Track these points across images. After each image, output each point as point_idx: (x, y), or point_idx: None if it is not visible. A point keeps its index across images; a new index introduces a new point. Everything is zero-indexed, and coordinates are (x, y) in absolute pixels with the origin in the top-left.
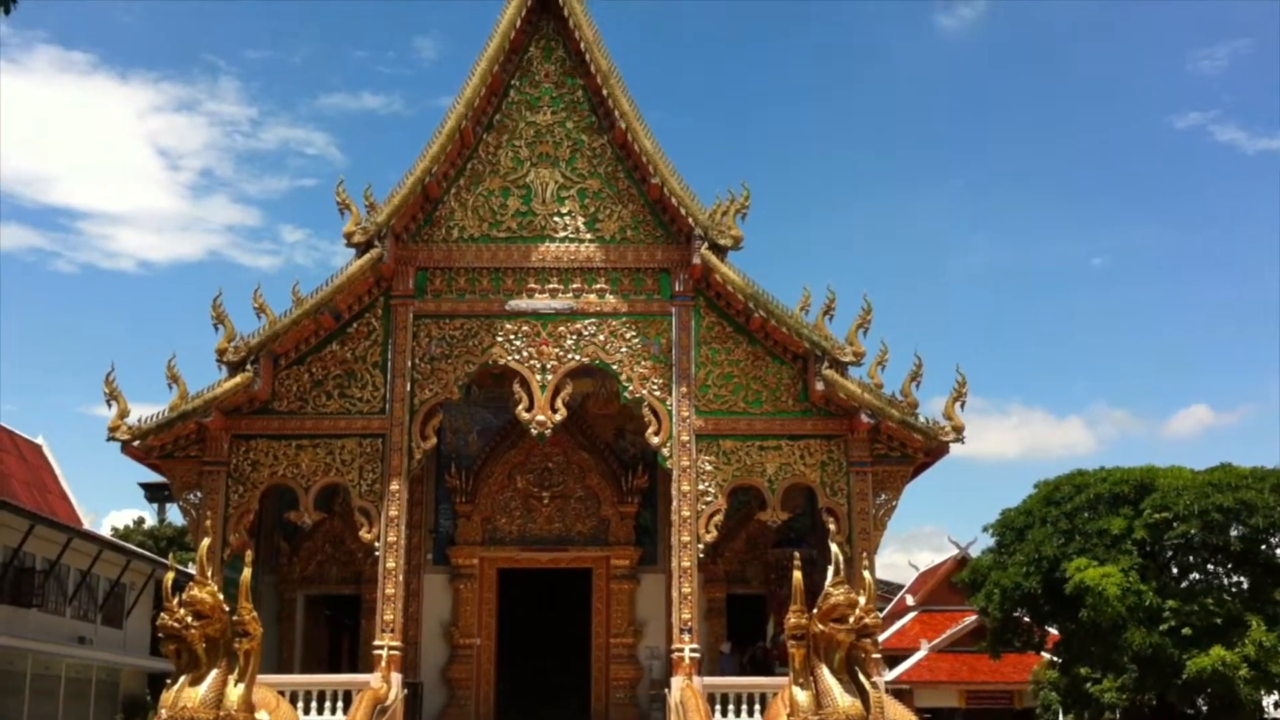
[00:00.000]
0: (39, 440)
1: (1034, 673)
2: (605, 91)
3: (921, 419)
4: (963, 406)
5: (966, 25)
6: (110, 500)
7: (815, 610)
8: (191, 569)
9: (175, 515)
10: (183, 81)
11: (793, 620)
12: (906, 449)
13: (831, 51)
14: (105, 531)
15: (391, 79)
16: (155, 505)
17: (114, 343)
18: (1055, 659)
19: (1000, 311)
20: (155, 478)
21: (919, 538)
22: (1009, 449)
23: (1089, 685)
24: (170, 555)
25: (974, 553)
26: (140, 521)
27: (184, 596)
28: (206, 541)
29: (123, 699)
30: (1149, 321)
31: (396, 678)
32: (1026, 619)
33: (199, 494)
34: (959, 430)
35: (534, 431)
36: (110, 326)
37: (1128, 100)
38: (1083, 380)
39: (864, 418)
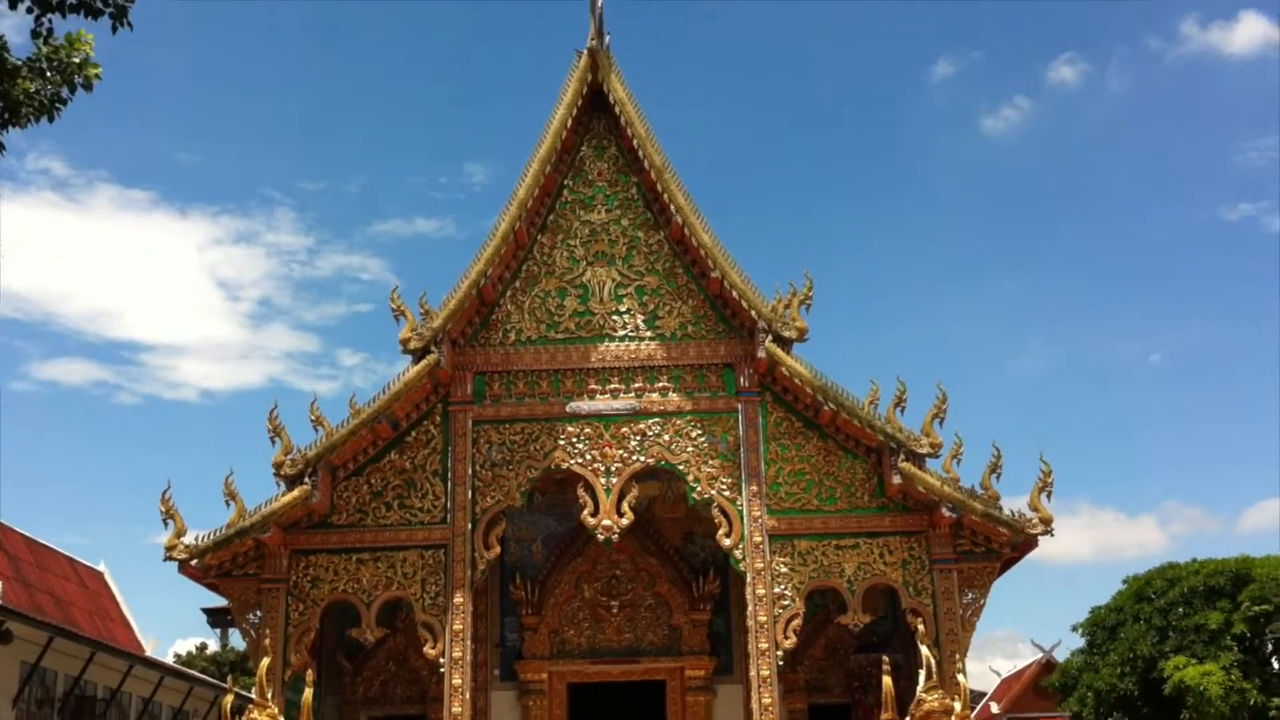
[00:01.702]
0: (100, 567)
1: None
2: (660, 187)
3: (1006, 512)
4: (1049, 498)
5: (1011, 126)
6: (176, 629)
7: (908, 717)
8: (253, 693)
9: (238, 640)
10: (240, 214)
11: None
12: (992, 544)
13: (878, 154)
14: (169, 659)
15: (444, 204)
16: (218, 630)
17: (177, 471)
18: None
19: (1061, 411)
20: (218, 602)
21: (992, 643)
22: (1081, 550)
23: None
24: (229, 678)
25: (1058, 655)
26: (203, 647)
27: None
28: (266, 661)
29: None
30: (1213, 416)
31: None
32: None
33: (258, 613)
34: (1047, 523)
35: (600, 537)
36: (173, 456)
37: (1177, 195)
38: (1152, 478)
39: (945, 512)
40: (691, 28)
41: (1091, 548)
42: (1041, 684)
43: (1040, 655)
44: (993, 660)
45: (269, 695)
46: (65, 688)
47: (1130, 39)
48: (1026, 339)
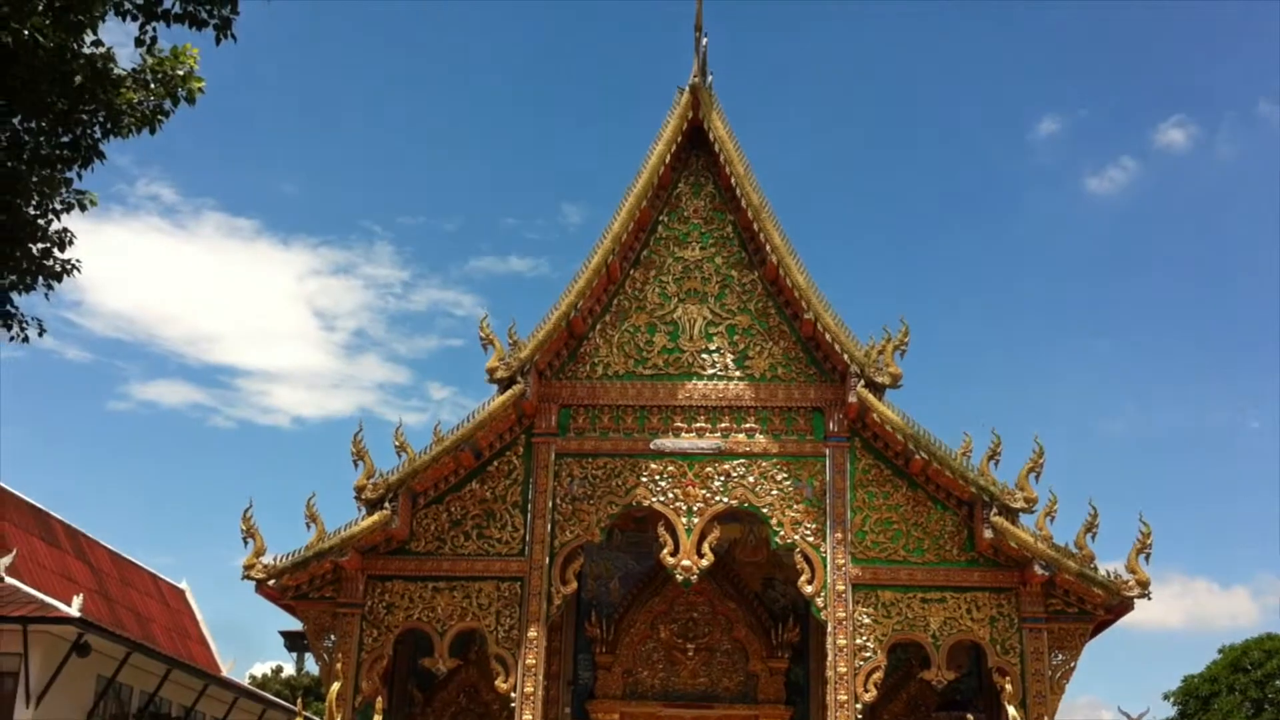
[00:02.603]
0: (182, 585)
1: None
2: (756, 227)
3: (1102, 572)
4: (1147, 560)
5: (1116, 187)
6: (256, 652)
7: None
8: (323, 718)
9: (314, 665)
10: (340, 246)
11: None
12: (1085, 604)
13: (978, 207)
14: (245, 681)
15: (539, 244)
16: (294, 654)
17: (265, 496)
18: None
19: (1155, 476)
20: (297, 626)
21: (1073, 710)
22: (1170, 618)
23: None
24: (298, 701)
25: None
26: (278, 670)
27: None
28: (336, 686)
29: None
30: None
31: None
32: None
33: (333, 637)
34: (1144, 585)
35: (679, 577)
36: (262, 480)
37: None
38: (1248, 548)
39: (1038, 569)
40: (794, 71)
41: (1182, 617)
42: None
43: None
44: None
45: None
46: (140, 703)
47: (1242, 104)
48: (1120, 401)
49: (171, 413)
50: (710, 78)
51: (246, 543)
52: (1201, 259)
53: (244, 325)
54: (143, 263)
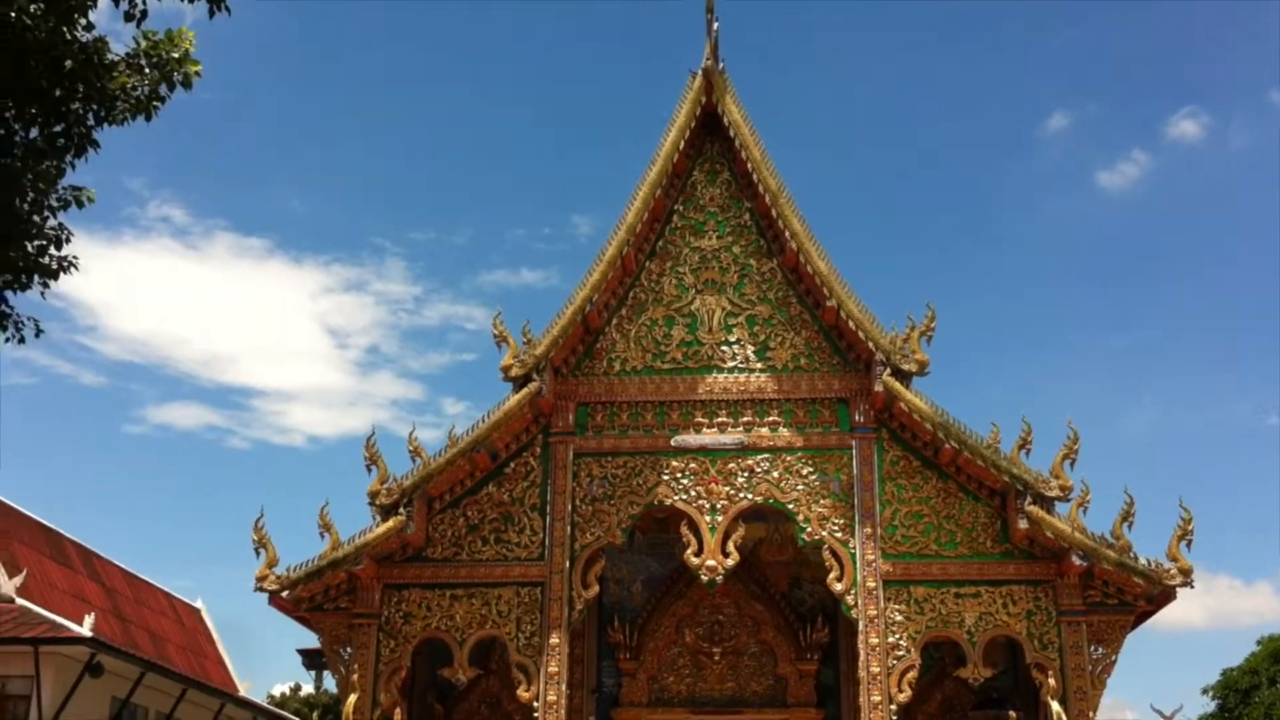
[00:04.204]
0: (198, 604)
1: None
2: (775, 213)
3: (1141, 560)
4: (1189, 547)
5: (1128, 181)
6: (275, 674)
7: None
8: None
9: (332, 682)
10: (352, 263)
11: None
12: (1125, 595)
13: (989, 204)
14: (264, 702)
15: (549, 255)
16: (313, 672)
17: (282, 515)
18: None
19: (1175, 471)
20: (314, 642)
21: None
22: (1193, 616)
23: None
24: (314, 718)
25: None
26: (296, 688)
27: None
28: (353, 699)
29: None
30: None
31: None
32: None
33: (349, 649)
34: (1187, 573)
35: (704, 578)
36: (279, 500)
37: None
38: (1270, 544)
39: (1076, 559)
40: (805, 70)
41: (1204, 614)
42: None
43: None
44: None
45: None
46: None
47: (1254, 93)
48: (1138, 397)
49: (187, 435)
50: (723, 63)
51: (259, 554)
52: (1217, 251)
53: (258, 345)
54: (155, 285)
